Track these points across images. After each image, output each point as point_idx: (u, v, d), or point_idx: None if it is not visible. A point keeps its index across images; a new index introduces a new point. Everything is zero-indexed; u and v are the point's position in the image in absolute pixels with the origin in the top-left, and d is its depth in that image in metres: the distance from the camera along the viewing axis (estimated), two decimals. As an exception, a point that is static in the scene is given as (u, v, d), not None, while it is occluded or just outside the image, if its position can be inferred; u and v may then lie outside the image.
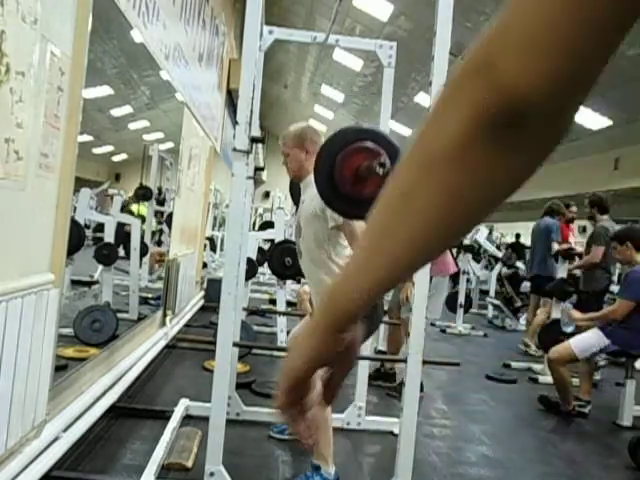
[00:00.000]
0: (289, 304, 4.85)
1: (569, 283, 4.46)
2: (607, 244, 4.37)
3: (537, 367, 4.52)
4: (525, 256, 9.80)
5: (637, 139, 8.46)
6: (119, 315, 3.57)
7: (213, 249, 8.78)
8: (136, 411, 2.72)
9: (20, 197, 1.56)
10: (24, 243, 1.62)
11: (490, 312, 7.56)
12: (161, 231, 6.01)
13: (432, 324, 6.21)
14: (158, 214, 6.03)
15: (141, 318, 3.80)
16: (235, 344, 1.98)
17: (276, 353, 4.25)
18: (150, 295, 4.89)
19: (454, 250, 6.80)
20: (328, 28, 2.69)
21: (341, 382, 0.53)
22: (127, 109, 5.56)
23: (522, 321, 6.85)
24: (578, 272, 4.70)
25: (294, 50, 12.57)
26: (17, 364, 1.52)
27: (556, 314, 4.35)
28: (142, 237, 5.03)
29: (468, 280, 6.69)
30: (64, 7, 1.74)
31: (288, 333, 4.56)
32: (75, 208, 4.02)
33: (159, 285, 4.81)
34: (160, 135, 6.30)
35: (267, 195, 18.52)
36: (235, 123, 1.75)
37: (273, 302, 5.67)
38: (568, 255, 4.54)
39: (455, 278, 6.54)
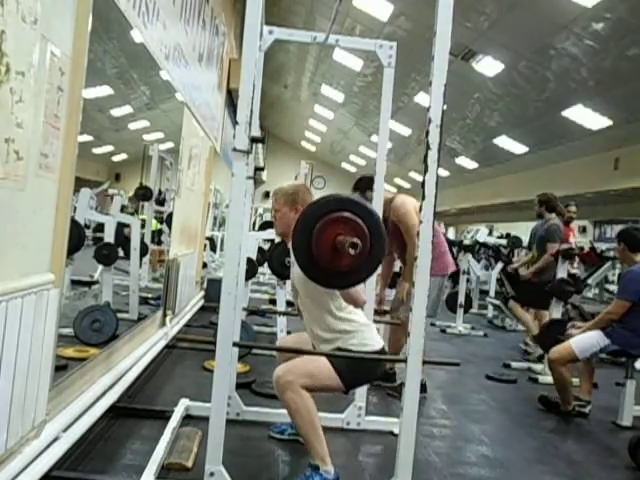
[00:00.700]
0: (289, 304, 4.85)
1: (569, 283, 4.46)
2: (561, 240, 4.84)
3: (537, 367, 4.52)
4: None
5: (637, 139, 8.46)
6: (119, 315, 3.57)
7: (213, 249, 8.78)
8: (136, 411, 2.72)
9: (20, 197, 1.56)
10: (24, 243, 1.62)
11: (490, 312, 7.56)
12: (160, 231, 6.01)
13: (432, 324, 6.21)
14: (158, 214, 6.03)
15: (141, 318, 3.79)
16: (235, 344, 1.97)
17: (276, 353, 4.25)
18: (150, 295, 4.88)
19: (454, 250, 6.82)
20: (328, 28, 2.69)
21: None
22: (127, 109, 5.55)
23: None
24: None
25: (294, 50, 12.57)
26: (17, 364, 1.52)
27: (556, 314, 4.35)
28: (142, 237, 5.03)
29: (468, 280, 6.68)
30: (64, 7, 1.74)
31: (288, 333, 4.56)
32: (75, 208, 4.02)
33: (159, 285, 4.80)
34: (160, 135, 6.29)
35: (267, 195, 18.52)
36: (235, 123, 1.75)
37: (273, 302, 5.67)
38: (568, 255, 4.54)
39: (455, 278, 6.53)
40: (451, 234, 19.00)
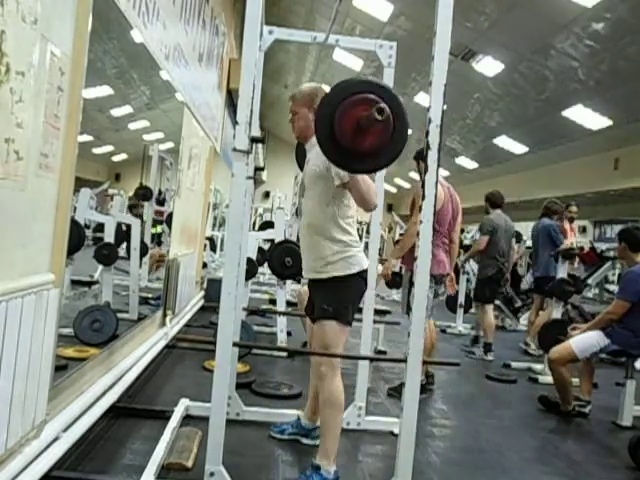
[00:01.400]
0: (289, 304, 4.85)
1: (569, 283, 4.47)
2: (491, 233, 5.17)
3: (537, 367, 4.52)
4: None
5: (637, 139, 8.46)
6: (119, 315, 3.57)
7: (213, 249, 8.78)
8: (136, 411, 2.72)
9: (20, 197, 1.56)
10: (24, 243, 1.62)
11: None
12: (160, 235, 6.01)
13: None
14: (158, 215, 6.03)
15: (141, 318, 3.79)
16: (235, 344, 1.97)
17: (276, 353, 4.25)
18: (150, 295, 4.88)
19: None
20: (328, 28, 2.69)
21: None
22: (127, 109, 5.55)
23: (522, 321, 6.85)
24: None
25: (294, 50, 12.58)
26: (17, 364, 1.52)
27: (556, 314, 4.36)
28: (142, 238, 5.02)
29: (468, 280, 6.68)
30: (64, 7, 1.74)
31: (289, 333, 4.57)
32: (75, 208, 4.02)
33: (159, 285, 4.80)
34: (160, 135, 6.29)
35: (267, 195, 18.52)
36: (235, 123, 1.75)
37: (273, 302, 5.67)
38: (568, 255, 4.55)
39: (455, 278, 6.53)
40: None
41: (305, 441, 2.57)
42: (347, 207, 2.19)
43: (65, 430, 1.91)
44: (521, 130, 10.64)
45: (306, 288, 4.15)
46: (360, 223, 10.40)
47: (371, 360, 3.45)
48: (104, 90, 4.43)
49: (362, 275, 2.22)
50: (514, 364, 4.70)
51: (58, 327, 1.86)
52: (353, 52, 10.13)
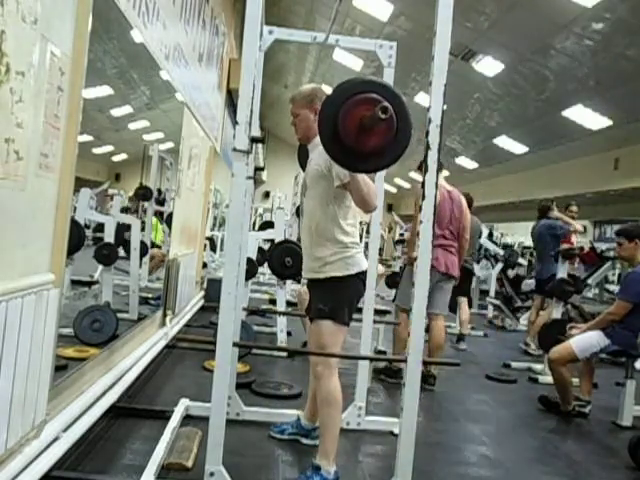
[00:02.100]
0: (289, 304, 4.85)
1: (569, 283, 4.47)
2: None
3: (537, 367, 4.52)
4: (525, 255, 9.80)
5: (637, 139, 8.46)
6: (119, 315, 3.57)
7: (213, 249, 8.78)
8: (136, 411, 2.72)
9: (20, 197, 1.56)
10: (24, 243, 1.62)
11: (490, 312, 7.56)
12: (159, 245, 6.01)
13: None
14: (157, 215, 6.03)
15: (141, 318, 3.79)
16: (235, 344, 1.97)
17: (276, 353, 4.25)
18: (150, 295, 4.88)
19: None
20: (328, 28, 2.69)
21: None
22: (127, 109, 5.55)
23: (522, 321, 6.85)
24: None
25: (294, 50, 12.57)
26: (17, 364, 1.52)
27: (556, 314, 4.36)
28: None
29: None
30: (64, 7, 1.74)
31: (289, 333, 4.57)
32: (75, 208, 4.02)
33: (159, 285, 4.80)
34: (160, 135, 6.29)
35: (267, 195, 18.51)
36: (235, 123, 1.75)
37: (273, 302, 5.67)
38: (568, 255, 4.55)
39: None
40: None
41: (305, 441, 2.57)
42: (348, 208, 2.19)
43: (65, 430, 1.91)
44: (521, 130, 10.64)
45: (306, 288, 4.16)
46: (360, 223, 10.40)
47: (371, 360, 3.45)
48: (104, 90, 4.43)
49: (360, 276, 2.22)
50: (514, 364, 4.70)
51: (58, 327, 1.86)
52: (353, 52, 10.13)
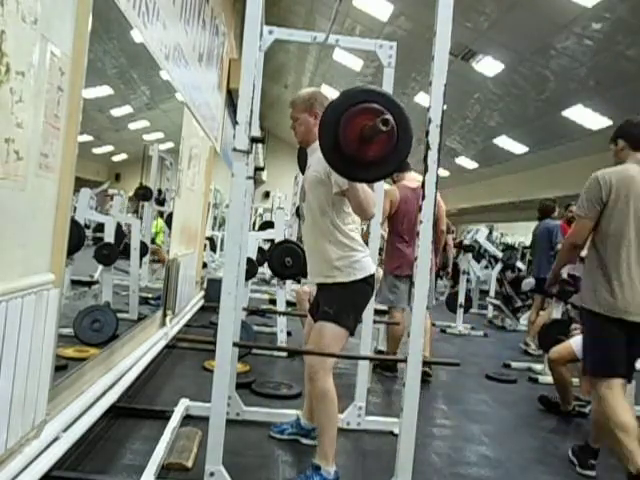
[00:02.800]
0: (289, 304, 4.85)
1: (569, 283, 4.46)
2: None
3: (537, 367, 4.52)
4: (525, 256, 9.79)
5: (637, 139, 8.45)
6: (119, 315, 3.57)
7: (213, 249, 8.78)
8: (136, 411, 2.72)
9: (20, 197, 1.56)
10: (24, 243, 1.62)
11: (490, 312, 7.56)
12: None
13: (432, 324, 6.21)
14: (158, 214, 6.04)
15: (141, 318, 3.79)
16: (235, 344, 1.97)
17: (276, 353, 4.25)
18: (150, 295, 4.88)
19: (454, 250, 6.82)
20: (328, 28, 2.69)
21: None
22: (127, 109, 5.55)
23: (522, 321, 6.85)
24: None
25: (294, 50, 12.57)
26: (17, 364, 1.52)
27: (556, 314, 4.35)
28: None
29: (468, 280, 6.68)
30: (64, 7, 1.74)
31: (289, 333, 4.57)
32: (75, 208, 4.02)
33: (159, 285, 4.80)
34: (160, 135, 6.29)
35: (267, 195, 18.51)
36: (235, 123, 1.75)
37: (273, 302, 5.67)
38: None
39: (455, 278, 6.54)
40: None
41: (305, 441, 2.57)
42: (347, 214, 2.19)
43: (65, 430, 1.91)
44: (521, 130, 10.64)
45: (305, 288, 4.17)
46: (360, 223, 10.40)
47: (371, 360, 3.46)
48: (104, 90, 4.43)
49: (368, 281, 2.21)
50: (514, 364, 4.70)
51: (58, 327, 1.86)
52: (353, 52, 10.13)
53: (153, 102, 5.52)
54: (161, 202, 5.89)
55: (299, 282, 5.24)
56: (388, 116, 1.67)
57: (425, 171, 1.69)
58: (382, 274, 4.01)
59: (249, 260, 3.73)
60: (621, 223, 2.37)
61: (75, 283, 4.59)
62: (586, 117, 8.61)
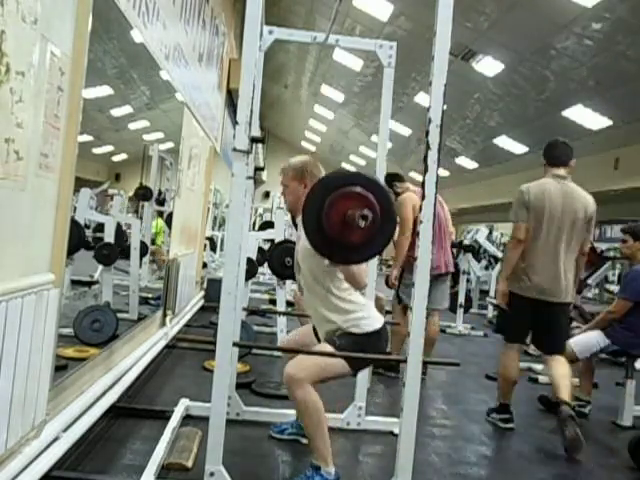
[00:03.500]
0: (289, 304, 4.85)
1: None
2: None
3: (537, 367, 4.52)
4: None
5: (637, 139, 8.46)
6: (119, 315, 3.57)
7: (213, 249, 8.78)
8: (136, 411, 2.72)
9: (20, 197, 1.56)
10: (24, 243, 1.62)
11: (490, 312, 7.56)
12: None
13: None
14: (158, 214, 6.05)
15: (141, 318, 3.80)
16: (235, 344, 1.97)
17: (276, 353, 4.25)
18: (150, 295, 4.89)
19: (454, 250, 6.82)
20: (328, 28, 2.69)
21: None
22: (127, 109, 5.55)
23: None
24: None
25: (294, 50, 12.57)
26: (17, 364, 1.52)
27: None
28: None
29: (468, 280, 6.68)
30: (64, 7, 1.74)
31: (288, 333, 4.56)
32: (75, 208, 4.02)
33: (159, 285, 4.81)
34: (160, 135, 6.29)
35: (267, 195, 18.52)
36: (235, 123, 1.75)
37: (273, 302, 5.67)
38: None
39: (455, 278, 6.54)
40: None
41: (305, 441, 2.56)
42: (342, 281, 2.18)
43: (65, 430, 1.92)
44: (521, 130, 10.64)
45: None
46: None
47: (371, 360, 3.45)
48: (104, 90, 4.43)
49: (374, 336, 2.16)
50: (514, 364, 4.69)
51: (58, 327, 1.86)
52: (353, 52, 10.12)
53: (153, 102, 5.52)
54: (161, 202, 5.89)
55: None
56: (366, 212, 1.68)
57: (425, 171, 1.69)
58: (395, 274, 4.02)
59: (249, 260, 3.73)
60: (537, 222, 3.03)
61: (75, 283, 4.59)
62: (586, 117, 8.62)
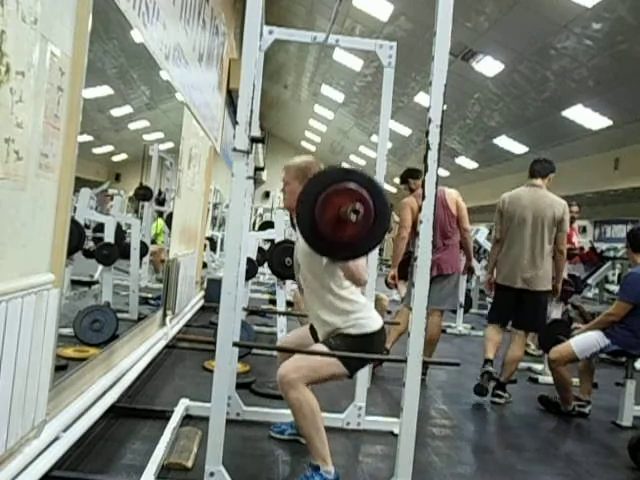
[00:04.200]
0: (289, 304, 4.85)
1: (569, 283, 4.46)
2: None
3: (537, 367, 4.52)
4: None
5: (637, 139, 8.45)
6: (119, 315, 3.57)
7: (213, 249, 8.78)
8: (136, 411, 2.72)
9: (20, 197, 1.56)
10: (24, 243, 1.62)
11: (490, 312, 7.54)
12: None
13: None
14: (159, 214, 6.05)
15: (141, 318, 3.80)
16: (235, 344, 1.97)
17: (276, 353, 4.24)
18: (150, 295, 4.89)
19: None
20: (328, 28, 2.69)
21: None
22: (127, 109, 5.55)
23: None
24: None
25: (294, 50, 12.57)
26: (17, 364, 1.52)
27: (556, 314, 4.35)
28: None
29: (468, 280, 6.67)
30: (64, 7, 1.74)
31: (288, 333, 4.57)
32: (75, 208, 4.02)
33: (159, 285, 4.81)
34: (160, 135, 6.29)
35: (267, 195, 18.54)
36: (235, 123, 1.75)
37: (273, 302, 5.67)
38: (568, 255, 4.55)
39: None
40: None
41: (305, 441, 2.56)
42: (341, 278, 2.17)
43: (65, 430, 1.92)
44: (521, 130, 10.63)
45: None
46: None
47: (371, 360, 3.45)
48: (104, 90, 4.43)
49: (373, 337, 2.16)
50: (514, 364, 4.69)
51: (58, 327, 1.86)
52: (353, 52, 10.12)
53: (153, 102, 5.52)
54: (161, 202, 5.89)
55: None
56: (358, 206, 1.67)
57: (425, 171, 1.69)
58: (392, 273, 4.08)
59: (249, 260, 3.73)
60: (511, 223, 3.72)
61: (75, 283, 4.59)
62: (586, 117, 8.61)
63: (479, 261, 8.37)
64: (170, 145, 5.40)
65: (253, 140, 1.77)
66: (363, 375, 2.84)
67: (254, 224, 10.02)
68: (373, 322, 2.18)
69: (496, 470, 2.58)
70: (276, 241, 4.63)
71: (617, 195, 10.29)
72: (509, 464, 2.68)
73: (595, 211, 11.99)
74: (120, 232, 4.68)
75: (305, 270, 2.25)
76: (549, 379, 3.80)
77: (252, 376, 3.49)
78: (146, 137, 6.25)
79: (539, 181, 3.83)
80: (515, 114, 10.09)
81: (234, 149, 1.75)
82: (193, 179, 4.76)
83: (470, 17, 7.39)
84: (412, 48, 7.98)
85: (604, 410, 3.57)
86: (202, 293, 5.89)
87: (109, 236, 4.35)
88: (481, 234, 8.10)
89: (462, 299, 6.32)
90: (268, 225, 6.16)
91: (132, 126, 6.14)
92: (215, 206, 9.92)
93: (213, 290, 5.75)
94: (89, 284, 4.95)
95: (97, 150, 6.13)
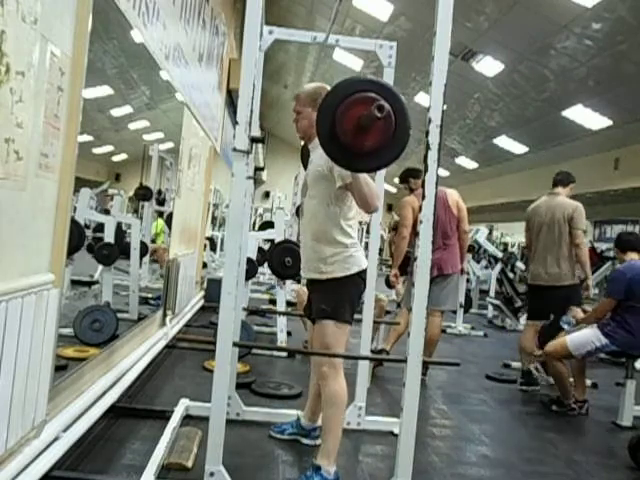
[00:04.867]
0: (289, 304, 4.85)
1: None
2: None
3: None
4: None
5: (637, 139, 8.46)
6: (119, 315, 3.57)
7: (213, 249, 8.79)
8: (136, 411, 2.72)
9: (20, 197, 1.56)
10: (24, 243, 1.62)
11: (490, 312, 7.56)
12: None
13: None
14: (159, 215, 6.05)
15: (141, 318, 3.79)
16: (235, 344, 1.97)
17: (276, 353, 4.25)
18: (150, 295, 4.89)
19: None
20: (328, 28, 2.69)
21: None
22: (127, 109, 5.56)
23: (522, 321, 6.85)
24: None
25: (294, 50, 12.57)
26: (17, 364, 1.52)
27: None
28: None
29: (468, 280, 6.68)
30: (64, 7, 1.74)
31: (289, 333, 4.57)
32: (75, 208, 4.02)
33: (159, 285, 4.81)
34: (160, 135, 6.30)
35: (267, 195, 18.52)
36: (235, 123, 1.75)
37: (273, 302, 5.67)
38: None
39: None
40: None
41: (305, 441, 2.57)
42: (349, 208, 2.19)
43: (65, 430, 1.91)
44: (521, 130, 10.64)
45: (305, 288, 4.17)
46: (360, 223, 10.42)
47: (371, 360, 3.46)
48: (104, 90, 4.43)
49: (361, 275, 2.22)
50: (514, 364, 4.69)
51: (58, 327, 1.86)
52: (353, 52, 10.12)
53: (153, 102, 5.52)
54: (161, 202, 5.89)
55: (299, 282, 5.24)
56: (383, 102, 1.65)
57: (425, 171, 1.70)
58: (394, 272, 4.09)
59: (249, 260, 3.73)
60: (535, 229, 4.09)
61: (75, 283, 4.60)
62: (586, 117, 8.61)
63: (478, 261, 8.38)
64: (170, 145, 5.40)
65: (253, 140, 1.77)
66: (363, 375, 2.83)
67: (254, 224, 10.02)
68: (360, 260, 2.21)
69: (496, 470, 2.58)
70: (276, 241, 4.64)
71: (617, 195, 10.29)
72: (509, 464, 2.68)
73: (595, 211, 11.98)
74: (120, 232, 4.69)
75: (313, 193, 2.23)
76: (549, 379, 3.80)
77: (252, 376, 3.49)
78: (146, 137, 6.26)
79: (559, 189, 4.15)
80: (515, 114, 10.09)
81: (234, 149, 1.75)
82: (193, 179, 4.76)
83: (470, 17, 7.39)
84: (412, 48, 7.98)
85: (604, 410, 3.57)
86: (202, 293, 5.89)
87: (109, 236, 4.35)
88: (481, 234, 8.10)
89: (462, 299, 6.32)
90: (268, 225, 6.17)
91: (132, 126, 6.14)
92: (215, 206, 9.92)
93: (213, 290, 5.75)
94: (89, 284, 4.95)
95: (97, 150, 6.14)
